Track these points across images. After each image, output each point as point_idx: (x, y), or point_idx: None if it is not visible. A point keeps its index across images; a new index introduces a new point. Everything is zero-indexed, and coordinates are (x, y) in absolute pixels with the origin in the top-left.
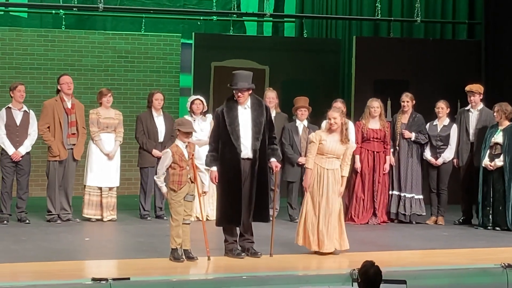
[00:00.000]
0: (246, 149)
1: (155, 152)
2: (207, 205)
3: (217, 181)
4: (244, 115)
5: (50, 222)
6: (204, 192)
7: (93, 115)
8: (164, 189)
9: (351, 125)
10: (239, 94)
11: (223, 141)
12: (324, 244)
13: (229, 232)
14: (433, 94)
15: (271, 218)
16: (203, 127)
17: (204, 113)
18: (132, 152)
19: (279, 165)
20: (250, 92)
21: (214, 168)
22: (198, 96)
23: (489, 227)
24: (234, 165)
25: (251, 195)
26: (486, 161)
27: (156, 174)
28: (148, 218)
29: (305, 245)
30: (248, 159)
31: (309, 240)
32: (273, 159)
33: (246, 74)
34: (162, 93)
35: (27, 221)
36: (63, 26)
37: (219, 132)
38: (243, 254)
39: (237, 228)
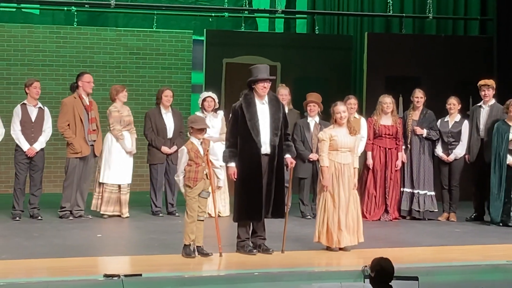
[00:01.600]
0: (265, 145)
1: (164, 149)
2: (218, 201)
3: (236, 177)
4: (263, 110)
5: (62, 218)
6: (219, 187)
7: (115, 113)
8: (183, 190)
9: (363, 121)
10: (265, 85)
11: (242, 137)
12: (346, 239)
13: (243, 228)
14: (445, 90)
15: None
16: (214, 124)
17: (215, 110)
18: (144, 149)
19: (294, 162)
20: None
21: (233, 164)
22: (210, 94)
23: (501, 224)
24: (255, 161)
25: (270, 191)
26: (510, 160)
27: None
28: (160, 214)
29: (327, 244)
30: (266, 154)
31: (332, 238)
32: (288, 155)
33: (265, 66)
34: (171, 89)
35: (39, 217)
36: (75, 23)
37: (237, 127)
38: (255, 250)
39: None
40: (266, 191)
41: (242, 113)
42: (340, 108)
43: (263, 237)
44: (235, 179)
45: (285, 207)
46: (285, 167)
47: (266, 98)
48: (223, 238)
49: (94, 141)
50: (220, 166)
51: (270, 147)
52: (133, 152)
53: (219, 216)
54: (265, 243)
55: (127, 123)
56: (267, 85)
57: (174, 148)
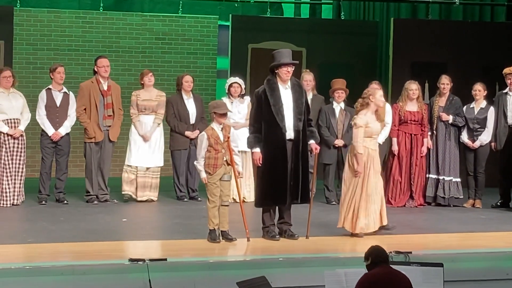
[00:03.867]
0: (289, 130)
1: (188, 133)
2: (243, 187)
3: (261, 162)
4: (286, 95)
5: (88, 202)
6: (239, 173)
7: (133, 97)
8: (203, 174)
9: (388, 107)
10: (288, 69)
11: (266, 122)
12: (372, 225)
13: (267, 214)
14: (471, 76)
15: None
16: (240, 109)
17: (242, 96)
18: (168, 134)
19: (318, 147)
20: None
21: (258, 149)
22: (237, 79)
23: None
24: (280, 146)
25: (296, 177)
26: None
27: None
28: (185, 199)
29: (351, 230)
30: (290, 140)
31: (356, 224)
32: (312, 141)
33: (288, 51)
34: (191, 75)
35: (65, 201)
36: (101, 8)
37: (261, 113)
38: (278, 236)
39: (276, 211)
40: (292, 176)
41: (265, 98)
42: (379, 95)
43: (289, 223)
44: (260, 165)
45: (310, 192)
46: (309, 153)
47: (289, 83)
48: (247, 224)
49: (109, 126)
50: (239, 152)
51: (294, 132)
52: (146, 137)
53: (244, 201)
54: (291, 229)
55: (143, 107)
56: (291, 69)
57: (197, 132)
